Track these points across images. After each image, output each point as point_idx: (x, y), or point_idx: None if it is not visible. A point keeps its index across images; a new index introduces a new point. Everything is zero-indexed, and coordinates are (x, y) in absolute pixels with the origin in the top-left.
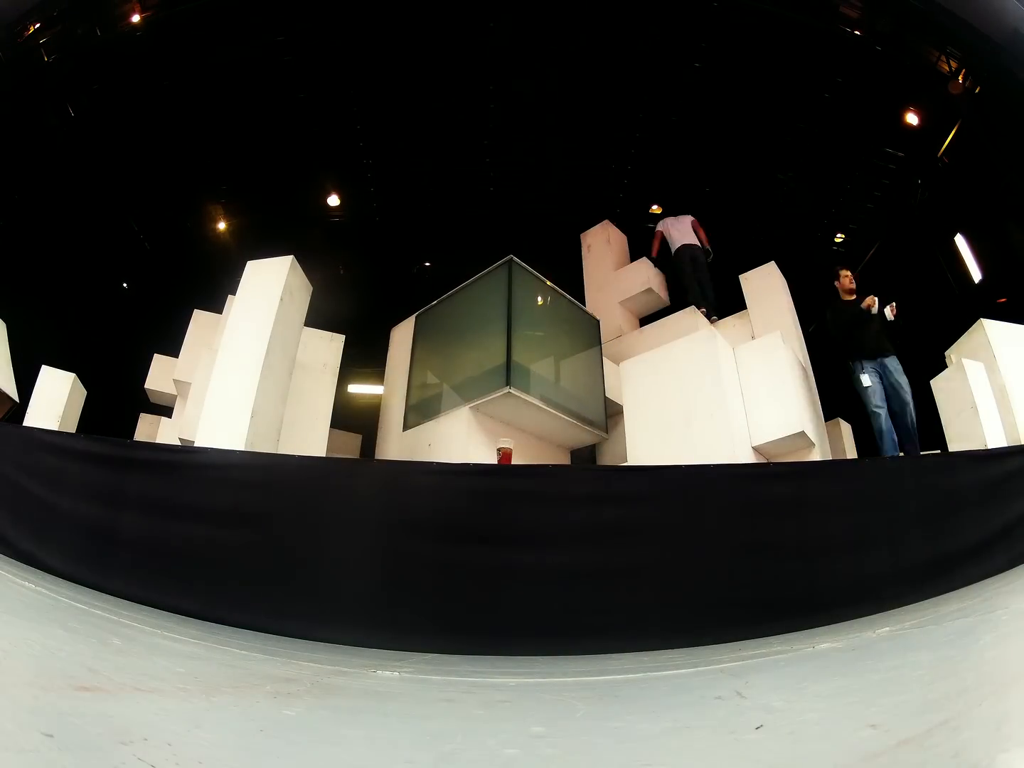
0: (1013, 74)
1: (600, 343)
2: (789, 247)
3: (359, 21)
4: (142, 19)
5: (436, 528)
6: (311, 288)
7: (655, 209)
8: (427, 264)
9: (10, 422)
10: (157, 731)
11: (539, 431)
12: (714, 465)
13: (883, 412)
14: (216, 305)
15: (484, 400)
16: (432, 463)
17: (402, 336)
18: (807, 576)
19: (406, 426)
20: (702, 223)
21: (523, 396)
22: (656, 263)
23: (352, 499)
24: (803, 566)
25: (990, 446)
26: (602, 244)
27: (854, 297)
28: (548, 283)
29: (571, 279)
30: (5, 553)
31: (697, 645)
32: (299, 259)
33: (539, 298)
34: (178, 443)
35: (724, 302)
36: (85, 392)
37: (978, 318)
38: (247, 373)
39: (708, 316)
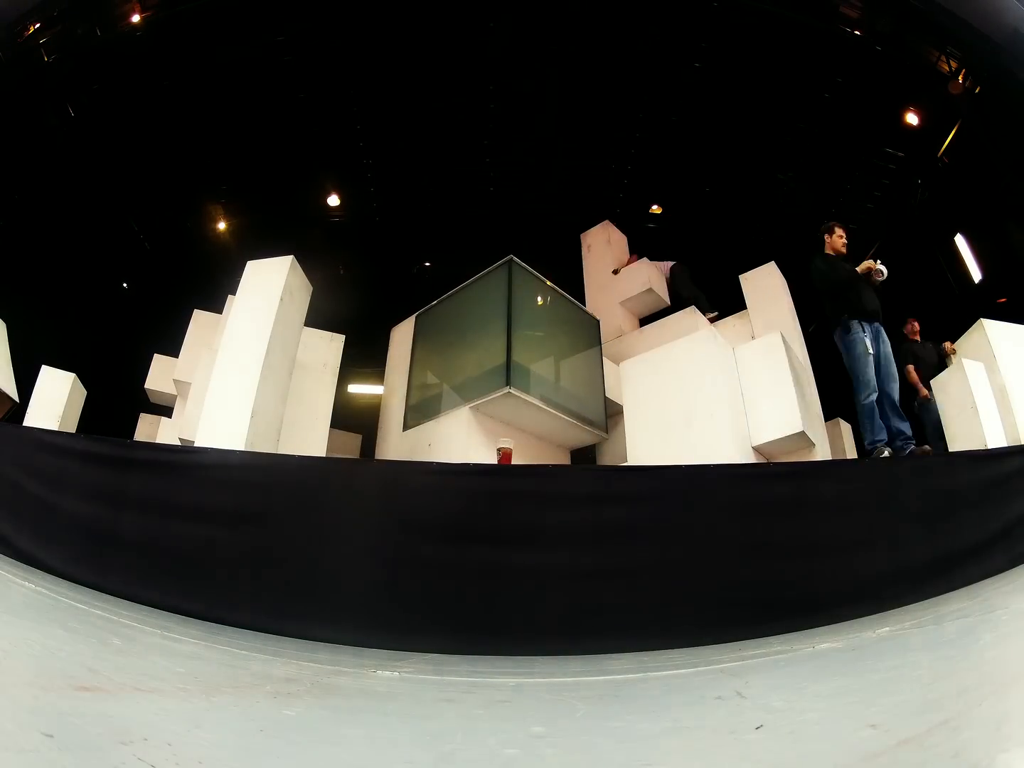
0: (1013, 74)
1: (600, 343)
2: (789, 247)
3: (359, 21)
4: (142, 19)
5: (436, 528)
6: (311, 288)
7: (655, 209)
8: (427, 264)
9: (10, 422)
10: (157, 731)
11: (539, 431)
12: (714, 465)
13: (874, 393)
14: (216, 305)
15: (484, 400)
16: (432, 463)
17: (402, 336)
18: (807, 576)
19: (406, 426)
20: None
21: (523, 396)
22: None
23: (352, 499)
24: (803, 566)
25: (990, 446)
26: (602, 244)
27: (842, 258)
28: (548, 283)
29: (571, 279)
30: (5, 553)
31: (697, 645)
32: (299, 259)
33: (539, 298)
34: (178, 443)
35: (724, 302)
36: (85, 392)
37: (978, 318)
38: (247, 373)
39: (704, 311)
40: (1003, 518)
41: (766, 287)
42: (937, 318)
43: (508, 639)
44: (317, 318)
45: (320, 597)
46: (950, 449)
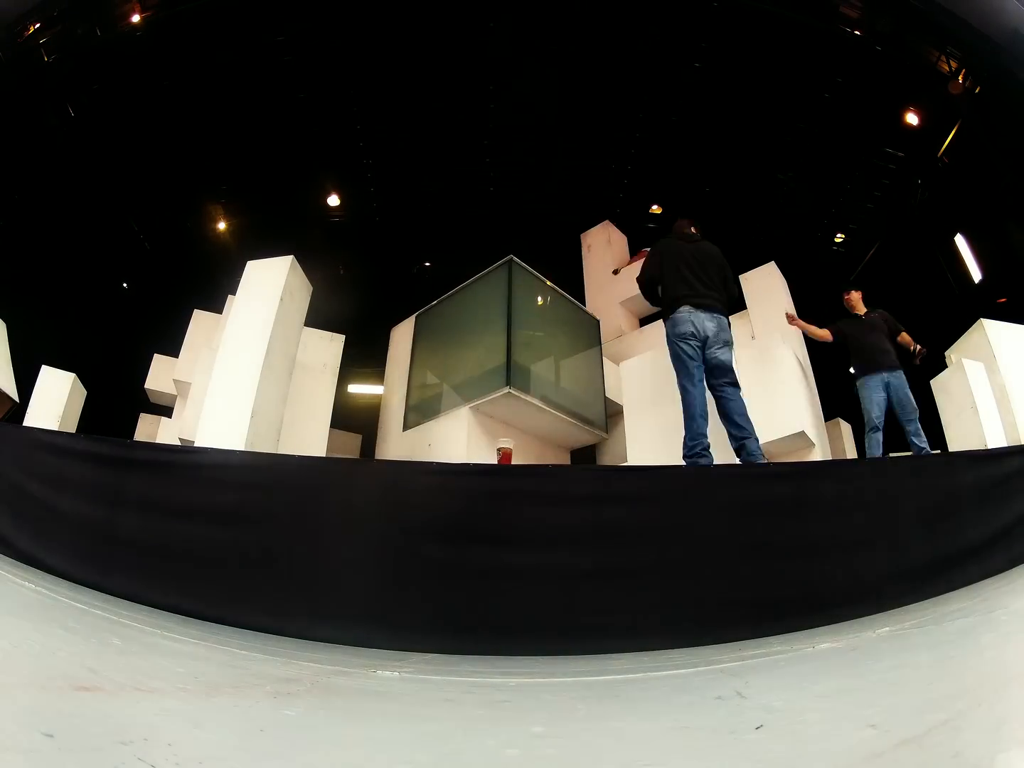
0: (1013, 74)
1: (600, 343)
2: (789, 247)
3: (359, 21)
4: (142, 19)
5: (436, 528)
6: (311, 288)
7: (655, 209)
8: (427, 264)
9: (10, 422)
10: (157, 731)
11: (539, 431)
12: (714, 465)
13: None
14: (216, 305)
15: (484, 400)
16: (432, 463)
17: (402, 336)
18: (807, 576)
19: (406, 426)
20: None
21: (523, 396)
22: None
23: (352, 499)
24: (803, 566)
25: (990, 446)
26: (602, 244)
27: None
28: (548, 283)
29: (571, 279)
30: (5, 553)
31: (697, 645)
32: (299, 259)
33: (539, 298)
34: (178, 443)
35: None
36: (85, 392)
37: (978, 318)
38: (247, 373)
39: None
40: (1003, 518)
41: (766, 287)
42: (937, 318)
43: (508, 639)
44: (317, 318)
45: (320, 597)
46: (950, 449)
